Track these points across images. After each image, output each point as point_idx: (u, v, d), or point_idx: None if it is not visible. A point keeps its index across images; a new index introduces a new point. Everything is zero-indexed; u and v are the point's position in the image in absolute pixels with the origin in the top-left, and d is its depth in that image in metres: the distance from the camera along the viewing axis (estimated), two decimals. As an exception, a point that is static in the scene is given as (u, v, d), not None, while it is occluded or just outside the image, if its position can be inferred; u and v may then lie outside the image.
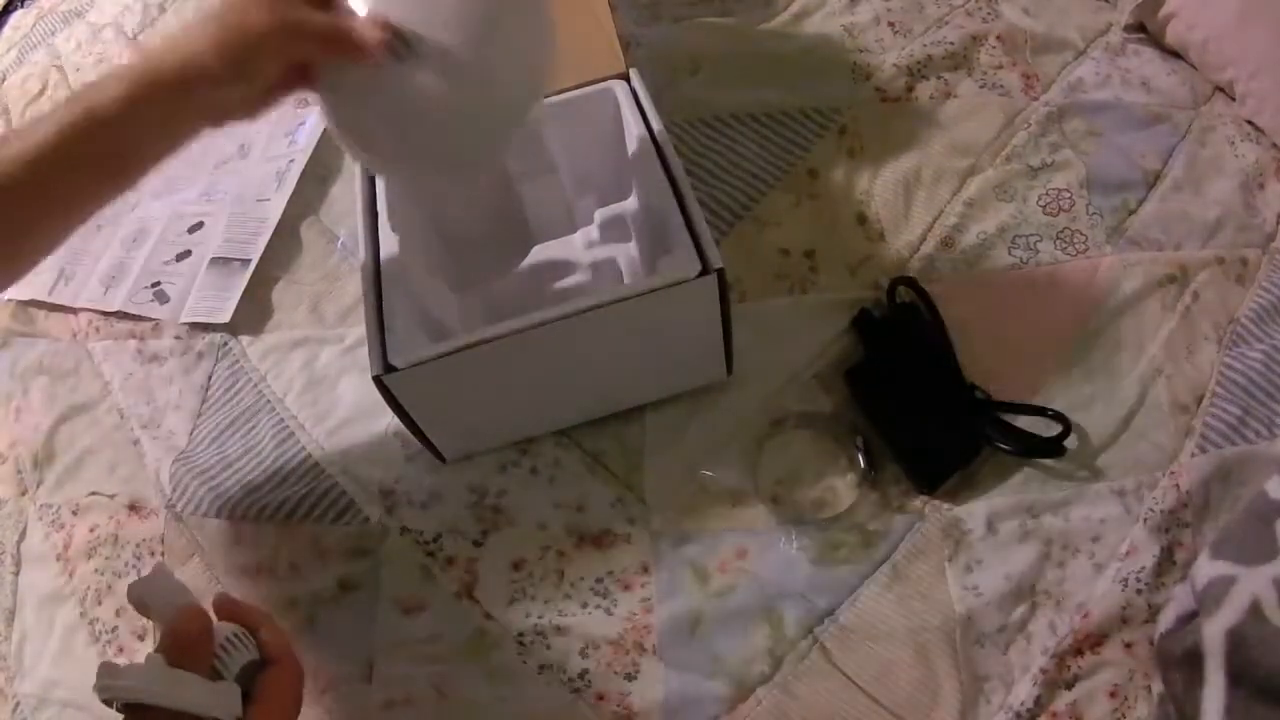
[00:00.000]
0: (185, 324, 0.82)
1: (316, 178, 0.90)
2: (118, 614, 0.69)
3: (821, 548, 0.62)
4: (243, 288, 0.83)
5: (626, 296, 0.57)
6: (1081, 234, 0.73)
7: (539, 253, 0.72)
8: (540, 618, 0.62)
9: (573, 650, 0.61)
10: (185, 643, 0.43)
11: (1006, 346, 0.68)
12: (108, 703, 0.42)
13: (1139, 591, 0.58)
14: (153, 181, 0.93)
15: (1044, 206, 0.75)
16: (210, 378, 0.79)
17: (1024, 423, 0.63)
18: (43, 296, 0.89)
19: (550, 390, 0.65)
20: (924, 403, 0.65)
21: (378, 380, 0.57)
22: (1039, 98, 0.82)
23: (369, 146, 0.55)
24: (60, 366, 0.84)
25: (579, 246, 0.71)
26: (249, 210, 0.88)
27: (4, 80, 1.16)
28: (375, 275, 0.63)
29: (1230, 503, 0.60)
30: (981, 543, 0.60)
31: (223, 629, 0.45)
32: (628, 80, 0.70)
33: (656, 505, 0.65)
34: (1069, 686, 0.56)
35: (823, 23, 0.90)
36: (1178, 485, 0.61)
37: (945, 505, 0.62)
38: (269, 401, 0.75)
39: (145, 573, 0.52)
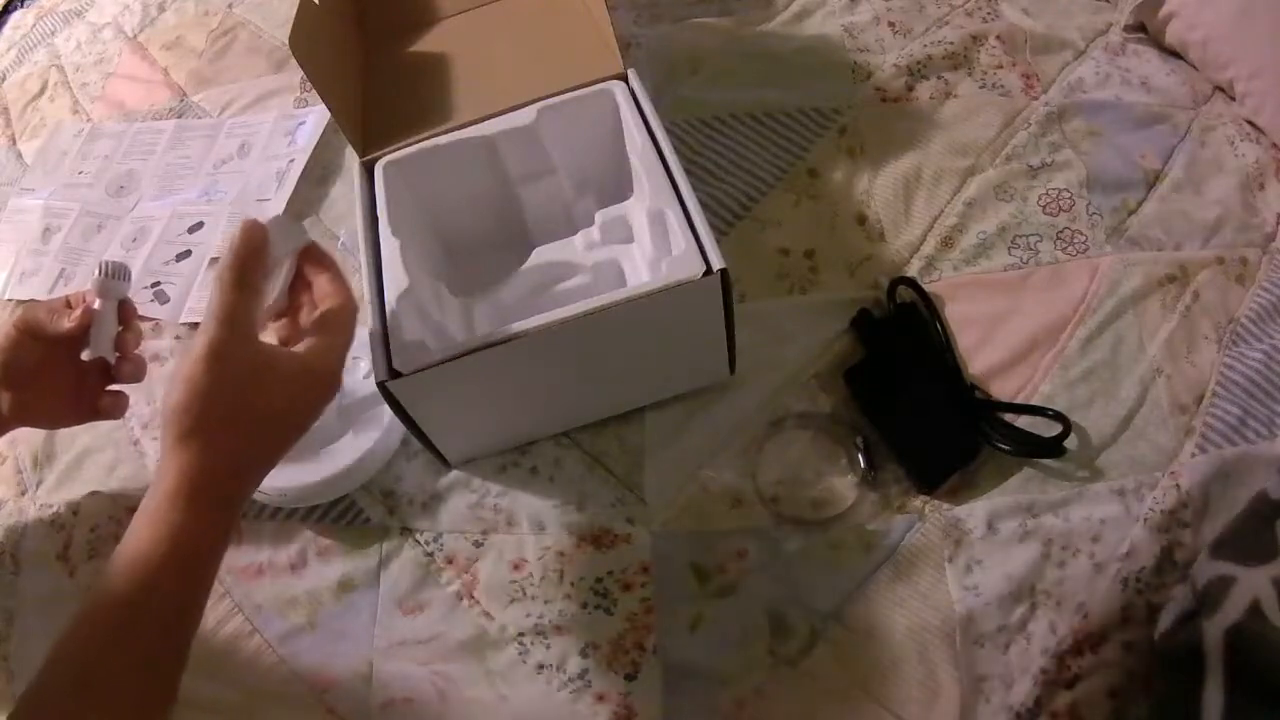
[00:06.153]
0: (185, 324, 0.82)
1: (316, 178, 0.90)
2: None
3: (821, 548, 0.62)
4: (243, 288, 0.82)
5: (631, 299, 0.57)
6: (1081, 234, 0.73)
7: (539, 255, 0.72)
8: (540, 618, 0.62)
9: (573, 650, 0.61)
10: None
11: (1006, 346, 0.68)
12: None
13: (1139, 591, 0.58)
14: (152, 182, 0.94)
15: (1044, 206, 0.75)
16: (210, 378, 0.79)
17: (1024, 423, 0.63)
18: (42, 296, 0.88)
19: (555, 393, 0.64)
20: (924, 403, 0.65)
21: (382, 386, 0.57)
22: (1039, 98, 0.82)
23: None
24: (60, 366, 0.84)
25: (579, 248, 0.71)
26: (249, 210, 0.88)
27: (4, 80, 1.16)
28: (377, 280, 0.62)
29: (1230, 503, 0.60)
30: (981, 543, 0.60)
31: None
32: (625, 81, 0.70)
33: (656, 505, 0.65)
34: (1069, 686, 0.56)
35: (822, 23, 0.90)
36: (1178, 485, 0.61)
37: (945, 505, 0.62)
38: (269, 401, 0.75)
39: None
